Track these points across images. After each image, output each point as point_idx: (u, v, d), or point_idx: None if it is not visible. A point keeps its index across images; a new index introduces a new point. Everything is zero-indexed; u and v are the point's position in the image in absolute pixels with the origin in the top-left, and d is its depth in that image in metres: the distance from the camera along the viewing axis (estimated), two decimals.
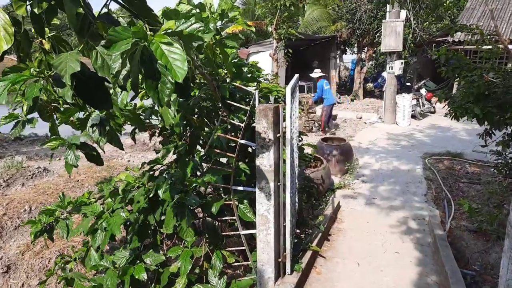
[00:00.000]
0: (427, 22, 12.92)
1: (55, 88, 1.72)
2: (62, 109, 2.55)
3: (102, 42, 1.52)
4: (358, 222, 4.67)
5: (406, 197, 5.52)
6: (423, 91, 12.29)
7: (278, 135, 2.69)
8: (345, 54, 20.82)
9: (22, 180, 6.43)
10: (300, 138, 4.23)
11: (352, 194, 5.71)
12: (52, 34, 1.82)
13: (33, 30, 1.60)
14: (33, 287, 3.85)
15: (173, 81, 1.45)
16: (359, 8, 14.56)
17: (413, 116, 11.22)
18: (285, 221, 2.89)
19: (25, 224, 3.53)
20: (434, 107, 12.25)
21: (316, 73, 9.93)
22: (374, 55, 16.60)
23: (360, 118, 12.10)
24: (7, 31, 1.45)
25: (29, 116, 2.66)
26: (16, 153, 8.25)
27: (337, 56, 17.41)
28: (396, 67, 10.78)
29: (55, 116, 2.70)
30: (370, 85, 17.92)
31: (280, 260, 2.92)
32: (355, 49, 17.60)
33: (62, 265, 3.73)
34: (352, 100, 15.86)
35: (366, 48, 16.37)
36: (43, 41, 1.81)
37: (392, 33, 10.41)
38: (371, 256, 3.83)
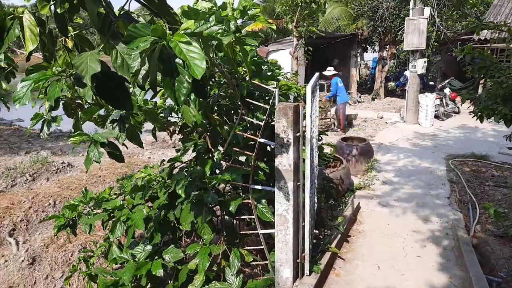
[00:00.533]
0: (452, 20, 12.56)
1: (76, 87, 1.75)
2: (86, 106, 2.61)
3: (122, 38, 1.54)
4: (378, 224, 4.59)
5: (428, 200, 5.39)
6: (447, 90, 11.97)
7: (298, 134, 2.66)
8: (366, 52, 20.50)
9: (47, 174, 6.62)
10: (319, 138, 4.18)
11: (372, 195, 5.61)
12: (75, 32, 1.85)
13: (56, 29, 1.63)
14: (56, 279, 3.96)
15: (190, 80, 1.45)
16: (381, 6, 14.30)
17: (436, 116, 10.94)
18: (304, 222, 2.86)
19: (48, 218, 3.62)
20: (458, 107, 11.90)
21: (329, 71, 9.99)
22: (396, 53, 16.28)
23: (381, 117, 11.89)
24: (32, 32, 1.49)
25: (54, 114, 2.77)
26: (42, 148, 8.50)
27: (358, 54, 17.15)
28: (419, 65, 10.53)
29: (79, 113, 2.78)
30: (391, 84, 17.57)
31: (298, 260, 2.90)
32: (377, 47, 17.30)
33: (85, 260, 3.83)
34: (373, 99, 15.60)
35: (388, 46, 16.06)
36: (67, 39, 1.84)
37: (415, 31, 10.17)
38: (392, 259, 3.76)
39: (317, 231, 3.99)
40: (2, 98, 3.25)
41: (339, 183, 5.21)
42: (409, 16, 10.48)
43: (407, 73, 11.92)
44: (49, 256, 4.22)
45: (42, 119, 2.74)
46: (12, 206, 5.10)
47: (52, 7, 1.45)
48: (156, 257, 3.27)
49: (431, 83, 16.46)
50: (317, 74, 3.72)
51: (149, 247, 3.33)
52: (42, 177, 6.53)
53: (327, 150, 5.54)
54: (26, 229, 4.83)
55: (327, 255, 3.43)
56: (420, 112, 10.67)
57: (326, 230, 4.07)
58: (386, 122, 11.28)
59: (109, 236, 3.51)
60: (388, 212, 4.97)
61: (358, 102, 15.09)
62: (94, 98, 1.69)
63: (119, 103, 1.67)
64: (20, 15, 1.49)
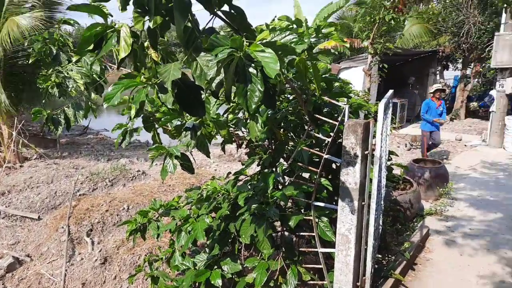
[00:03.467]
0: None
1: (159, 94, 1.93)
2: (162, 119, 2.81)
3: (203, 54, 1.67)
4: (449, 254, 4.19)
5: (507, 232, 4.79)
6: None
7: (366, 152, 2.56)
8: (447, 70, 19.22)
9: (124, 181, 7.16)
10: (389, 158, 3.98)
11: (444, 222, 5.16)
12: (162, 47, 2.04)
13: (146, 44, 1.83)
14: (124, 280, 4.21)
15: (262, 89, 1.52)
16: (468, 21, 13.37)
17: None
18: (367, 244, 2.72)
19: (122, 223, 3.89)
20: None
21: (437, 85, 8.46)
22: (481, 71, 15.03)
23: (460, 139, 11.00)
24: (126, 42, 1.69)
25: (135, 126, 3.03)
26: (121, 156, 9.23)
27: (437, 72, 16.13)
28: (508, 85, 9.59)
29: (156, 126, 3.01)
30: (474, 104, 16.17)
31: (358, 284, 2.75)
32: (459, 65, 16.14)
33: (150, 262, 4.03)
34: (451, 120, 14.52)
35: (472, 64, 14.90)
36: (154, 53, 2.03)
37: (506, 47, 9.33)
38: None
39: (380, 256, 3.77)
40: (94, 106, 3.62)
41: (407, 207, 4.88)
42: (499, 31, 9.67)
43: (493, 92, 10.93)
44: (119, 257, 4.51)
45: (125, 128, 3.03)
46: (92, 208, 5.57)
47: (146, 24, 1.63)
48: (216, 267, 3.33)
49: None
50: (391, 91, 3.59)
51: (209, 256, 3.41)
52: (120, 183, 7.07)
53: (397, 171, 5.25)
54: (102, 231, 5.23)
55: (390, 282, 3.21)
56: (506, 136, 9.67)
57: (390, 255, 3.82)
58: (465, 145, 10.39)
59: (174, 243, 3.67)
60: (461, 242, 4.51)
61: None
62: (173, 104, 1.84)
63: (194, 110, 1.84)
64: (119, 29, 1.69)
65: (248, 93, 1.52)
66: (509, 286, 3.53)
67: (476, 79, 15.65)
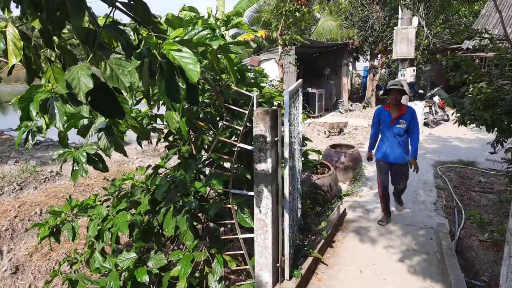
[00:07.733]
0: (439, 27, 12.77)
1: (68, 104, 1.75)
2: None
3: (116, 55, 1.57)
4: (364, 229, 4.60)
5: (415, 205, 5.42)
6: (436, 98, 12.11)
7: (276, 138, 2.69)
8: (358, 61, 20.69)
9: (35, 183, 6.58)
10: (304, 144, 4.21)
11: (359, 201, 5.64)
12: (57, 44, 1.86)
13: (41, 42, 1.65)
14: None
15: (184, 87, 1.48)
16: (371, 16, 14.51)
17: (425, 124, 11.04)
18: (284, 226, 2.88)
19: (32, 227, 3.59)
20: (447, 115, 12.04)
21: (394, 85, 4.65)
22: (387, 62, 16.48)
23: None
24: (16, 45, 1.47)
25: (38, 124, 2.77)
26: (31, 157, 8.45)
27: (349, 63, 17.27)
28: (408, 74, 10.66)
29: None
30: (382, 92, 17.73)
31: (278, 265, 2.90)
32: (368, 57, 17.49)
33: (67, 266, 3.79)
34: (364, 108, 15.74)
35: (378, 56, 16.25)
36: (49, 51, 1.85)
37: (404, 40, 10.32)
38: (375, 264, 3.77)
39: (301, 236, 4.00)
40: None
41: (326, 189, 5.23)
42: (397, 26, 10.64)
43: None
44: (32, 265, 4.18)
45: (28, 129, 2.74)
46: None
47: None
48: (140, 264, 3.26)
49: (421, 91, 16.66)
50: (300, 81, 3.78)
51: (132, 254, 3.32)
52: (30, 186, 6.49)
53: (315, 157, 5.58)
54: (11, 238, 4.78)
55: (309, 260, 3.43)
56: None
57: (311, 236, 4.08)
58: None
59: (93, 243, 3.50)
60: (374, 218, 4.98)
61: (350, 110, 15.21)
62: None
63: (112, 113, 1.67)
64: (3, 29, 1.48)
65: (171, 91, 1.45)
66: (413, 254, 3.98)
67: (383, 70, 17.11)
